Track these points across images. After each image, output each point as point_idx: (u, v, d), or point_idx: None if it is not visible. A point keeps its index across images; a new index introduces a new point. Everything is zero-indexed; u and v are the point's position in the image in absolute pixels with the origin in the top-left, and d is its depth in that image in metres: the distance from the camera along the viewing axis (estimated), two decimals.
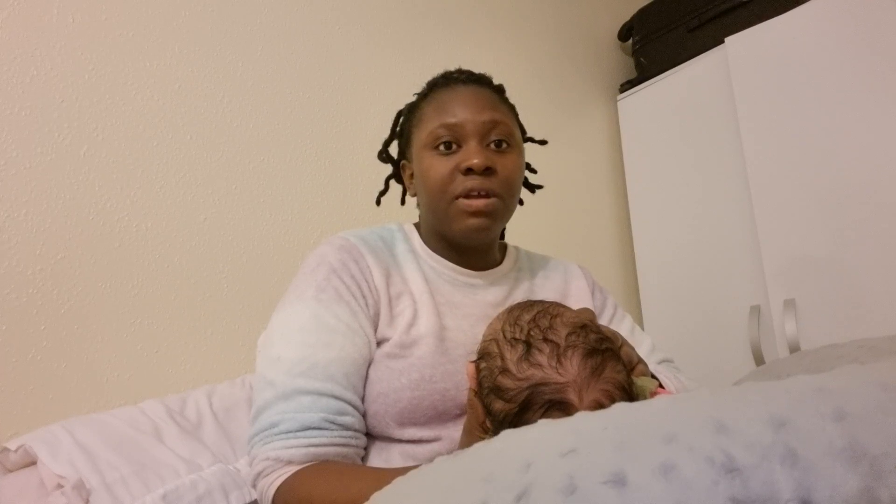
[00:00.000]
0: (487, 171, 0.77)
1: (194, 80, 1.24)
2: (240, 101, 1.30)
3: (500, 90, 0.87)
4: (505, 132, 0.80)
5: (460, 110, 0.79)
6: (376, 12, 1.56)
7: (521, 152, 0.84)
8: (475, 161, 0.76)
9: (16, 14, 1.04)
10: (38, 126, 1.04)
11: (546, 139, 1.01)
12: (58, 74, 1.07)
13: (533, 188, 1.01)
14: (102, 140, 1.11)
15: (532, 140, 0.96)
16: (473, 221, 0.78)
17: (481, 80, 0.85)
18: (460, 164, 0.77)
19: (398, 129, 0.93)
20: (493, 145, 0.79)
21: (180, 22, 1.24)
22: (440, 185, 0.78)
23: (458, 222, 0.79)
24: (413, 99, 0.90)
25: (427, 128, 0.80)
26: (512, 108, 0.87)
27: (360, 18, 1.52)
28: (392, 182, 0.97)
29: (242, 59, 1.31)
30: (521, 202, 0.98)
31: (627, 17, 2.10)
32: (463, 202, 0.77)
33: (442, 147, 0.78)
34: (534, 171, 0.99)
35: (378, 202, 0.97)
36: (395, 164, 0.95)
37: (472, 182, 0.76)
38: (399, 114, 0.93)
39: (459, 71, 0.87)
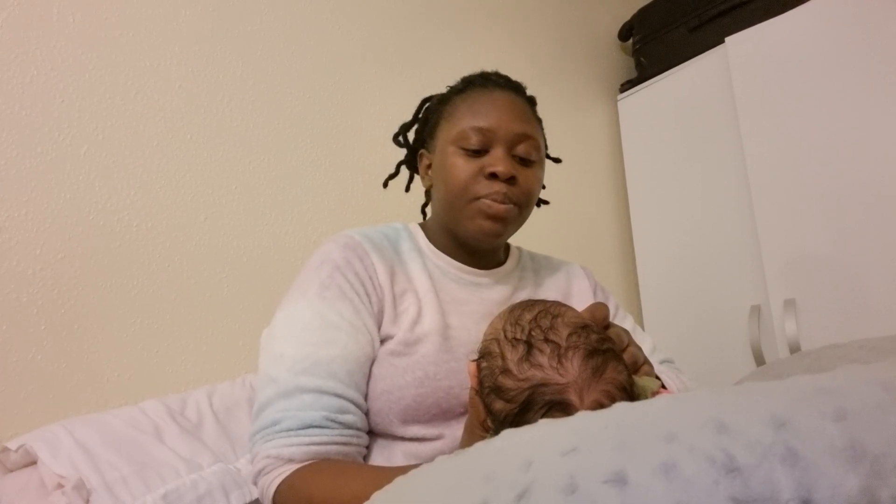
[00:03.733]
0: (510, 180, 0.78)
1: (195, 80, 1.24)
2: (240, 101, 1.30)
3: (532, 102, 0.88)
4: (533, 146, 0.81)
5: (494, 115, 0.79)
6: (377, 13, 1.56)
7: (543, 167, 0.85)
8: (500, 168, 0.76)
9: (16, 14, 1.04)
10: (39, 126, 1.04)
11: (559, 158, 1.03)
12: (58, 74, 1.07)
13: (539, 202, 1.02)
14: (103, 140, 1.11)
15: (548, 157, 0.97)
16: (488, 224, 0.78)
17: (518, 89, 0.86)
18: (485, 168, 0.78)
19: (421, 116, 0.93)
20: (518, 157, 0.80)
21: (180, 22, 1.24)
22: (462, 184, 0.79)
23: (472, 222, 0.79)
24: (443, 92, 0.90)
25: (458, 125, 0.81)
26: (540, 122, 0.88)
27: (360, 19, 1.52)
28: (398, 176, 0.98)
29: (243, 58, 1.31)
30: None
31: (628, 17, 2.10)
32: (483, 202, 0.78)
33: (470, 148, 0.79)
34: (543, 187, 1.00)
35: (385, 185, 0.98)
36: (410, 149, 0.95)
37: (495, 187, 0.77)
38: (424, 101, 0.93)
39: (497, 74, 0.88)
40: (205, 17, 1.27)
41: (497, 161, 0.77)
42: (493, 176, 0.77)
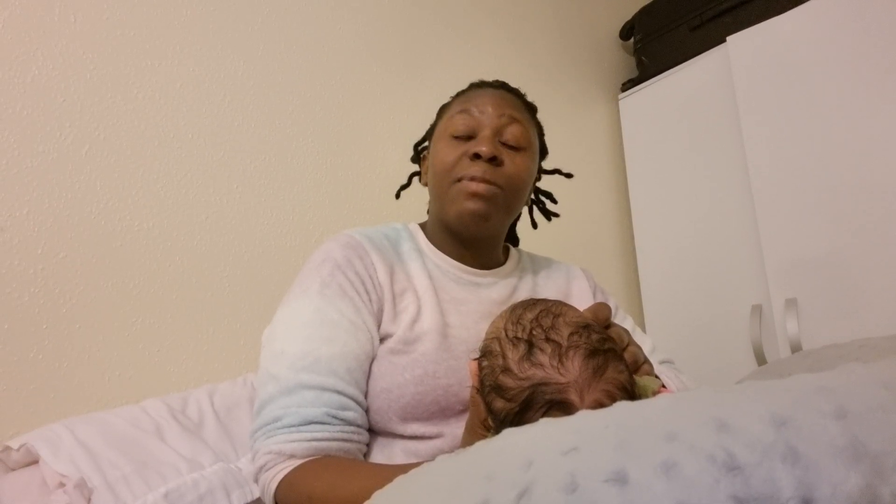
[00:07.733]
0: (494, 161, 0.78)
1: (195, 80, 1.24)
2: (241, 101, 1.30)
3: (531, 107, 0.90)
4: (520, 132, 0.82)
5: (483, 103, 0.82)
6: (377, 13, 1.56)
7: (533, 157, 0.85)
8: (483, 148, 0.77)
9: (17, 14, 1.04)
10: (40, 125, 1.04)
11: (571, 173, 1.04)
12: (59, 74, 1.07)
13: (549, 216, 1.02)
14: (104, 139, 1.11)
15: (559, 172, 1.00)
16: (470, 205, 0.78)
17: (516, 92, 0.89)
18: (469, 150, 0.79)
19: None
20: (506, 142, 0.81)
21: (181, 21, 1.24)
22: (447, 167, 0.80)
23: (456, 204, 0.80)
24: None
25: (448, 116, 0.84)
26: (538, 125, 0.90)
27: (360, 19, 1.52)
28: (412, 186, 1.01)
29: (244, 58, 1.31)
30: (535, 226, 1.00)
31: (629, 16, 2.09)
32: (463, 183, 0.79)
33: (457, 134, 0.81)
34: (554, 202, 1.02)
35: (398, 195, 1.00)
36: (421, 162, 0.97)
37: (477, 168, 0.78)
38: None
39: (498, 81, 0.91)
40: (205, 17, 1.27)
41: (481, 143, 0.79)
42: (476, 157, 0.78)
